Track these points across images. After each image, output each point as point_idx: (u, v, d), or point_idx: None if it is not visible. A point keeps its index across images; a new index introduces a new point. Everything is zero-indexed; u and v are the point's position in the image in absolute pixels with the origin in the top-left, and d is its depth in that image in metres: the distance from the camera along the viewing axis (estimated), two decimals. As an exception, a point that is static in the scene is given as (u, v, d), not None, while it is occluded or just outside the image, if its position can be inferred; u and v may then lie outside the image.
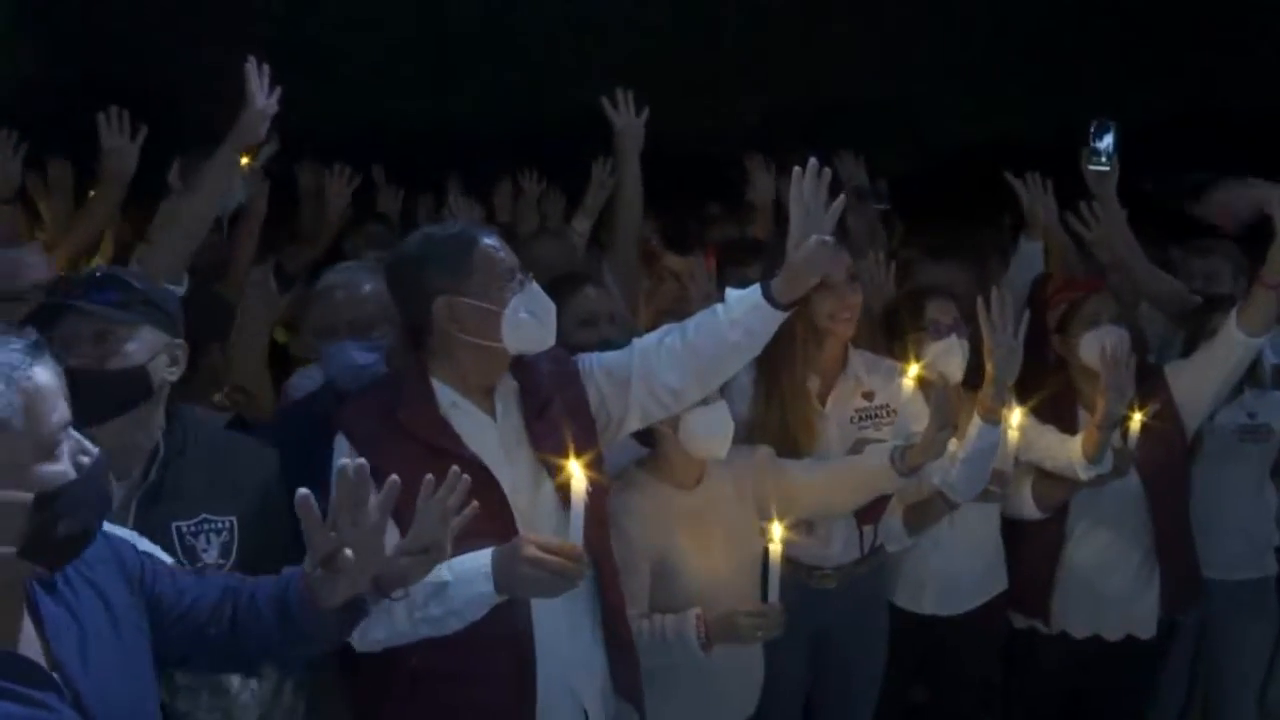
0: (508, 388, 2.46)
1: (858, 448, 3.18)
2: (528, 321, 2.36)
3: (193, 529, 2.31)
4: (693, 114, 4.47)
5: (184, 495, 2.30)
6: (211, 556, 2.27)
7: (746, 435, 3.01)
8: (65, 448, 1.52)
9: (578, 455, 2.22)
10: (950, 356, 3.20)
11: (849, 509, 3.12)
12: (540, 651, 2.37)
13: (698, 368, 2.50)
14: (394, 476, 1.83)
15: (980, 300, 2.90)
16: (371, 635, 2.26)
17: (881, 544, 3.32)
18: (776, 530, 2.55)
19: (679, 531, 2.77)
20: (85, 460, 1.53)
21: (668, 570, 2.74)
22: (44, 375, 1.51)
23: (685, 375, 2.51)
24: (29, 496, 1.45)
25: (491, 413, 2.44)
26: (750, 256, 3.93)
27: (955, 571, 3.49)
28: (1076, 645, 3.62)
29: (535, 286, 2.40)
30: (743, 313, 2.45)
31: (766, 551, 2.55)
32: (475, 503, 1.96)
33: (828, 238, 2.42)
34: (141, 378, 2.21)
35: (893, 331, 3.44)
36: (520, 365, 2.46)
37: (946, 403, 2.80)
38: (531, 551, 2.16)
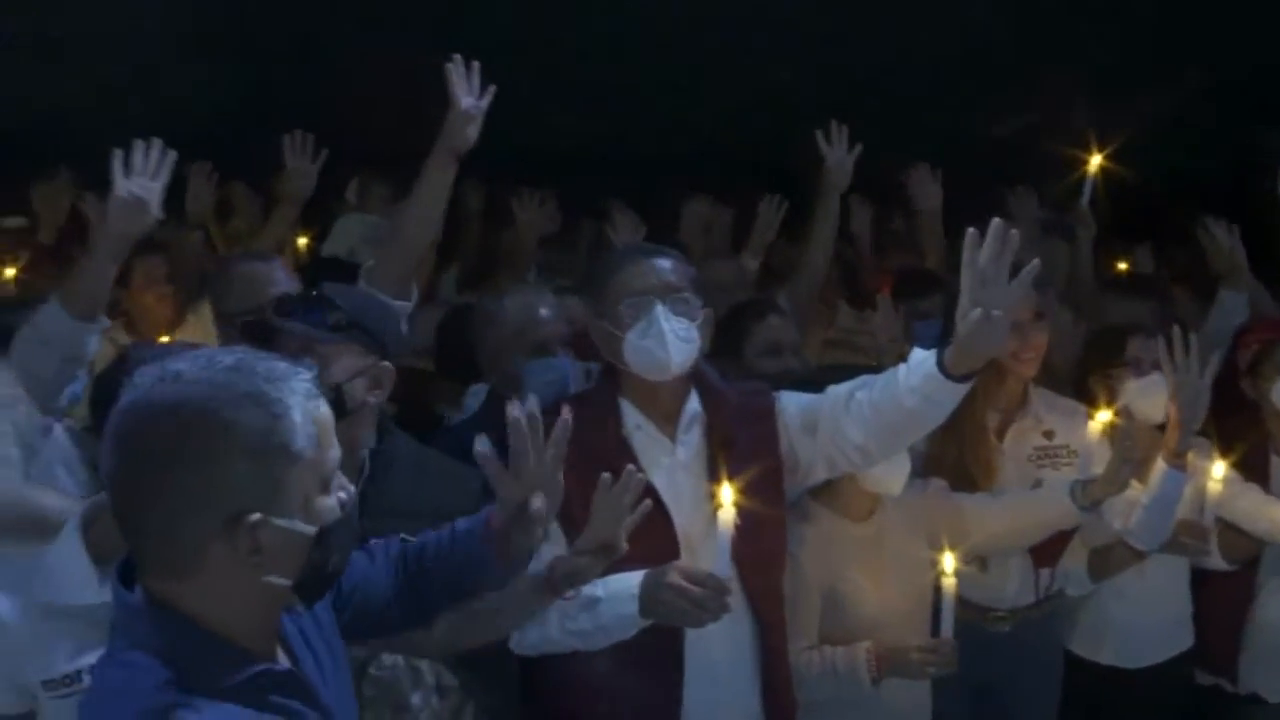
0: (693, 415, 2.46)
1: (1035, 487, 3.08)
2: (642, 347, 2.35)
3: None
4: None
5: (384, 514, 2.33)
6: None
7: (922, 468, 2.95)
8: (335, 482, 1.50)
9: (754, 495, 2.21)
10: (1152, 396, 3.07)
11: (1024, 545, 3.03)
12: (689, 686, 2.36)
13: (881, 428, 2.37)
14: (566, 414, 1.86)
15: (1162, 340, 2.80)
16: (528, 639, 2.31)
17: (1059, 588, 3.21)
18: (949, 562, 2.49)
19: (851, 563, 2.73)
20: (344, 496, 1.50)
21: (838, 602, 2.70)
22: (325, 407, 1.49)
23: (869, 434, 2.38)
24: (313, 530, 1.44)
25: (674, 439, 2.44)
26: (926, 289, 3.86)
27: (1139, 623, 3.34)
28: (1274, 712, 3.42)
29: (659, 311, 2.35)
30: (920, 380, 2.25)
31: (940, 584, 2.49)
32: (648, 501, 1.97)
33: (997, 312, 2.10)
34: (337, 397, 2.21)
35: (1084, 367, 3.34)
36: (709, 395, 2.46)
37: (1132, 434, 2.70)
38: (675, 578, 2.15)
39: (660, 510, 2.30)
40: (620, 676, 2.33)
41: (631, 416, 2.43)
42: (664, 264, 2.42)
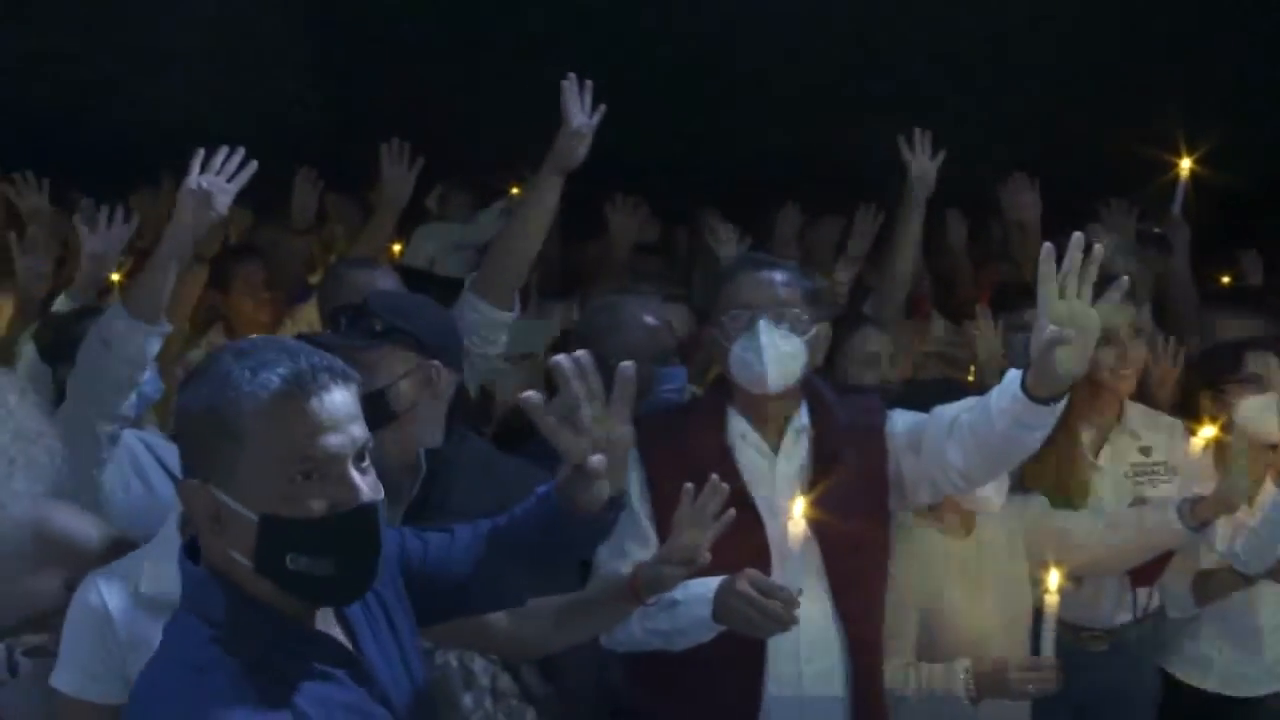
0: (800, 428, 2.45)
1: (1133, 505, 3.03)
2: (743, 359, 2.37)
3: None
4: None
5: (448, 513, 2.34)
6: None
7: (1018, 483, 2.90)
8: (331, 482, 1.52)
9: (855, 513, 2.20)
10: (1268, 413, 2.98)
11: (1129, 566, 2.97)
12: (771, 695, 2.35)
13: (979, 452, 2.31)
14: (627, 363, 1.74)
15: (1274, 355, 2.72)
16: (616, 635, 2.33)
17: (1158, 608, 3.13)
18: (1054, 579, 2.44)
19: (949, 579, 2.69)
20: (344, 499, 1.56)
21: (935, 619, 2.67)
22: (323, 401, 1.53)
23: (969, 458, 2.32)
24: (255, 516, 1.51)
25: (777, 450, 2.44)
26: (1024, 301, 3.79)
27: (1247, 651, 3.21)
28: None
29: (761, 326, 2.35)
30: (1008, 402, 2.16)
31: (1042, 602, 2.45)
32: (732, 511, 1.94)
33: (1071, 332, 2.01)
34: (381, 401, 2.24)
35: (1193, 383, 3.26)
36: (819, 409, 2.45)
37: (1246, 452, 2.63)
38: (744, 587, 2.12)
39: (754, 520, 2.31)
40: (701, 679, 2.34)
41: (737, 425, 2.44)
42: (775, 277, 2.42)
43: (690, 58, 6.85)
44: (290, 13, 7.24)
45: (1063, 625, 2.90)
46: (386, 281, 2.98)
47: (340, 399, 1.50)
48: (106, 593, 2.11)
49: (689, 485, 1.94)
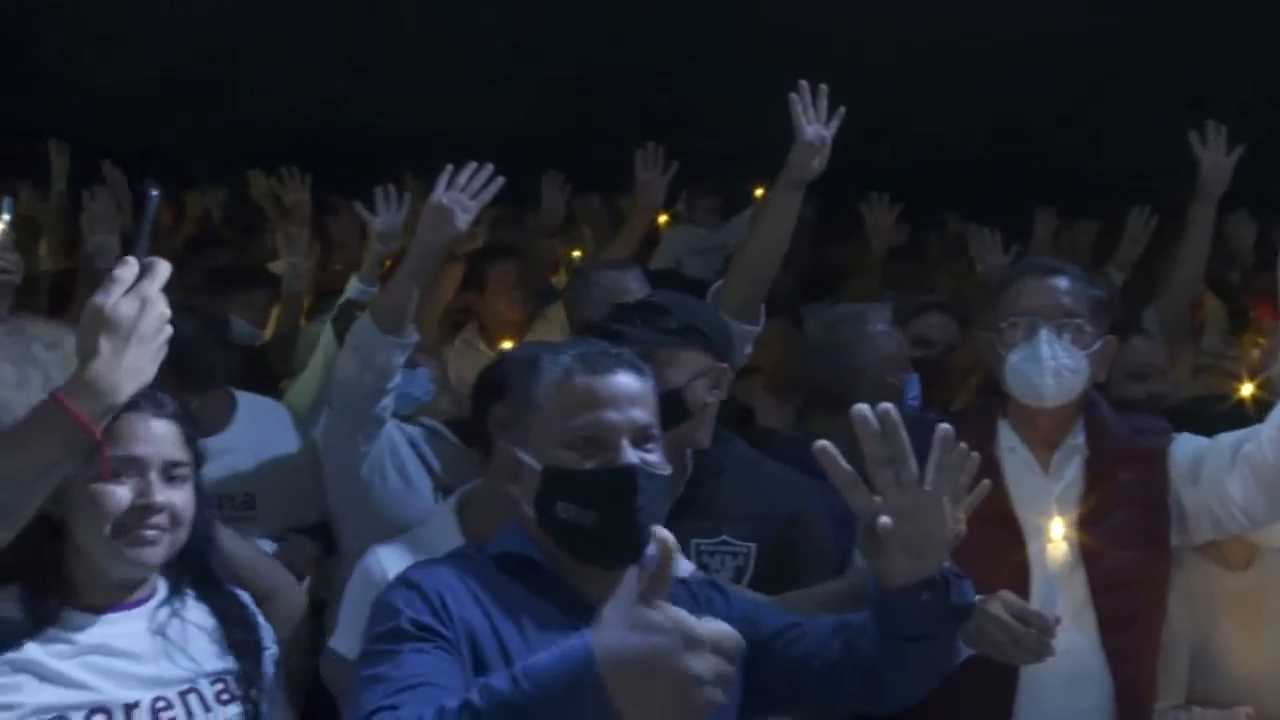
0: (1074, 448, 2.32)
1: None
2: (1019, 370, 2.24)
3: (711, 548, 2.37)
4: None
5: (710, 514, 2.36)
6: (722, 579, 2.27)
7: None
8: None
9: (1128, 543, 2.06)
10: None
11: None
12: None
13: (1259, 485, 2.14)
14: (944, 426, 1.62)
15: None
16: None
17: None
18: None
19: (1225, 616, 2.49)
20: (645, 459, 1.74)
21: (1210, 658, 2.47)
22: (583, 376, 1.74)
23: (1248, 492, 2.15)
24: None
25: (1047, 468, 2.31)
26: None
27: None
28: None
29: (1042, 336, 2.22)
30: (1276, 430, 2.03)
31: None
32: (987, 482, 1.75)
33: None
34: (678, 400, 2.27)
35: None
36: (1096, 429, 2.31)
37: None
38: (997, 609, 1.97)
39: (1016, 539, 2.20)
40: (946, 708, 2.22)
41: (1008, 438, 2.33)
42: (1060, 284, 2.29)
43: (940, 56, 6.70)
44: (534, 18, 7.44)
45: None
46: (637, 283, 2.98)
47: (625, 381, 1.71)
48: (386, 562, 2.21)
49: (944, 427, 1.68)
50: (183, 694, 1.81)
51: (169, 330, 1.57)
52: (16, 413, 1.82)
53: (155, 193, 1.67)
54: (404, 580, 1.68)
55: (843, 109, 2.80)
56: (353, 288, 3.66)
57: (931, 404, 3.20)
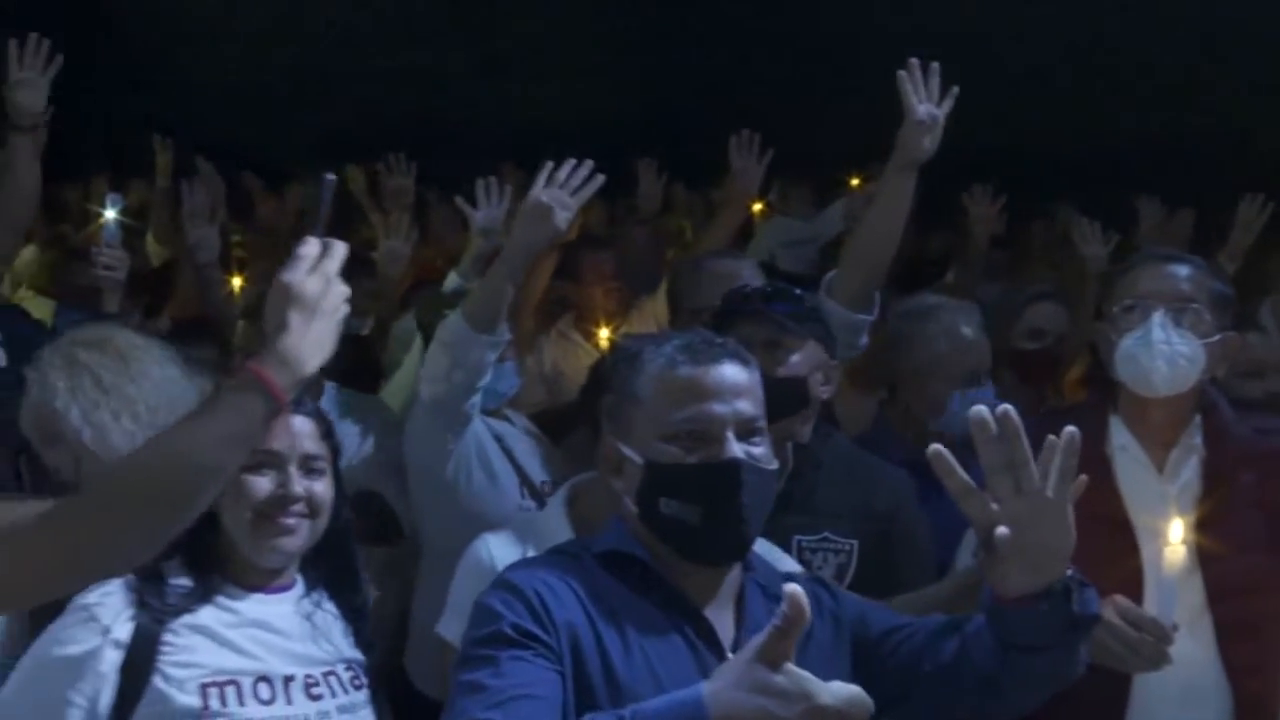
0: (1191, 448, 2.21)
1: None
2: (1130, 355, 2.12)
3: (813, 545, 2.36)
4: None
5: (812, 510, 2.34)
6: (824, 576, 2.25)
7: None
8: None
9: (1252, 552, 1.98)
10: None
11: None
12: None
13: None
14: (1070, 428, 1.56)
15: None
16: None
17: None
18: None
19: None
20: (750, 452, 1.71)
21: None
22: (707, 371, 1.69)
23: None
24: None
25: (1162, 468, 2.20)
26: None
27: None
28: None
29: (1156, 320, 2.10)
30: None
31: None
32: (1084, 477, 1.65)
33: None
34: (801, 388, 2.27)
35: None
36: (1215, 429, 2.21)
37: None
38: (1110, 615, 1.89)
39: (1129, 542, 2.11)
40: (1057, 715, 2.16)
41: (1119, 435, 2.21)
42: (1179, 270, 2.19)
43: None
44: (632, 10, 7.46)
45: None
46: (751, 273, 2.92)
47: (730, 372, 1.67)
48: (495, 549, 2.24)
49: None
50: (325, 675, 1.93)
51: (346, 309, 1.61)
52: (74, 420, 1.95)
53: (331, 177, 1.70)
54: (504, 582, 1.66)
55: (956, 89, 2.71)
56: (452, 281, 3.65)
57: (1043, 397, 3.13)
